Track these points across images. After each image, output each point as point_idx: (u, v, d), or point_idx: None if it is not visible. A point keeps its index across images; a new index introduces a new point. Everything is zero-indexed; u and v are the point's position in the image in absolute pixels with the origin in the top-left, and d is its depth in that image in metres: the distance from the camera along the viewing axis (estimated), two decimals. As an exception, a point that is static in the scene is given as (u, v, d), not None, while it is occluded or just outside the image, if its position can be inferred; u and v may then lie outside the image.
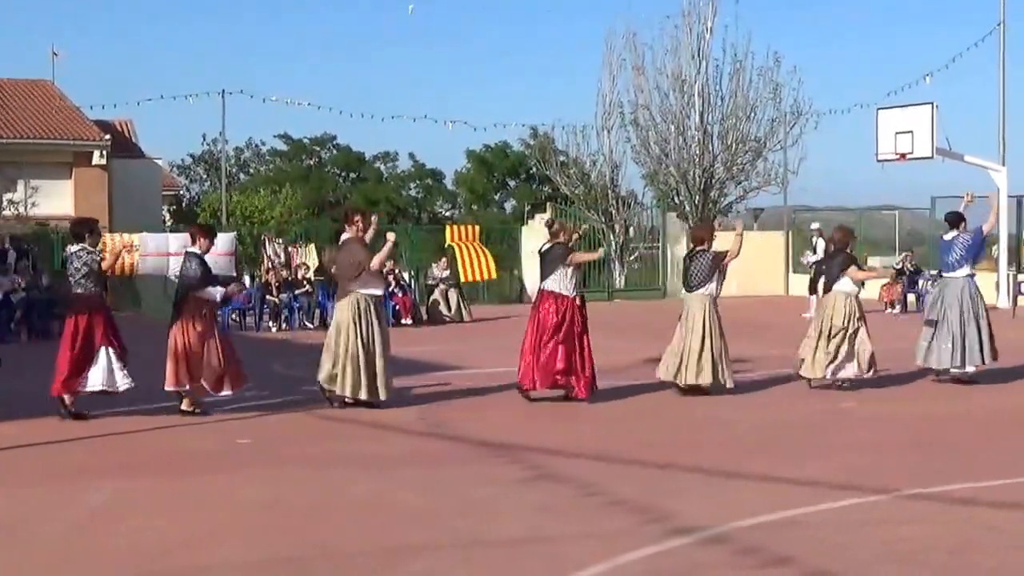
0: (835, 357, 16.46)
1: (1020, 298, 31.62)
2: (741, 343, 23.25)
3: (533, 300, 16.38)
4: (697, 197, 47.34)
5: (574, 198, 48.48)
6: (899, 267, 35.12)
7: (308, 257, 33.78)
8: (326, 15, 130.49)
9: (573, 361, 15.51)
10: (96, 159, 47.26)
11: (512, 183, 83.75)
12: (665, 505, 9.55)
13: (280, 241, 35.83)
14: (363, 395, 14.91)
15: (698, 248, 16.50)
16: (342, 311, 15.11)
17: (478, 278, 36.32)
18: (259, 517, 9.47)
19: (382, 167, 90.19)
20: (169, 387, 14.76)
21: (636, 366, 19.61)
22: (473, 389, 16.93)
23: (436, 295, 32.59)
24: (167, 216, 59.26)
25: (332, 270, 15.74)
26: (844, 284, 16.68)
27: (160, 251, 37.00)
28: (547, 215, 43.12)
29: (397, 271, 32.57)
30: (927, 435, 13.35)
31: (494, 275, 37.36)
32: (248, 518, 9.44)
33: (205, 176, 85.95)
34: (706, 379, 16.00)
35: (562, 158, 51.15)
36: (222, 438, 13.30)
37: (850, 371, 16.53)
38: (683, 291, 16.65)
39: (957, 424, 14.12)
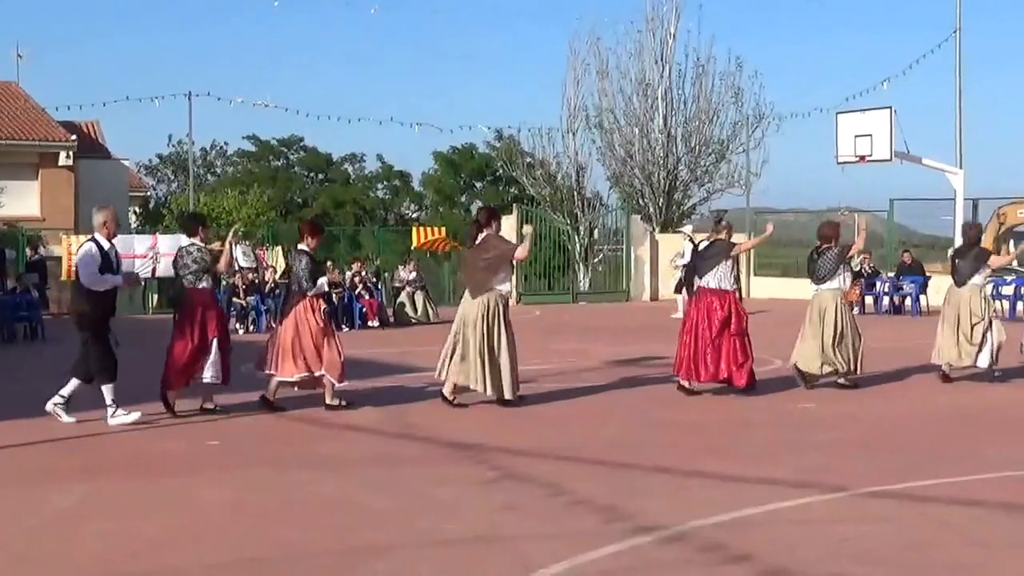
0: (981, 346, 17.36)
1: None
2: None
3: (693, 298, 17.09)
4: (661, 199, 47.78)
5: (540, 199, 48.70)
6: (857, 269, 35.53)
7: (276, 260, 33.93)
8: (293, 18, 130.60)
9: (743, 352, 16.32)
10: (62, 160, 47.15)
11: (479, 184, 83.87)
12: (627, 504, 9.66)
13: (248, 243, 35.93)
14: (489, 391, 15.32)
15: (824, 246, 17.28)
16: (472, 307, 15.41)
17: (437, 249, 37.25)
18: (225, 518, 9.53)
19: (349, 168, 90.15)
20: (285, 376, 15.10)
21: (600, 368, 19.92)
22: (439, 390, 17.06)
23: (403, 297, 32.75)
24: (134, 218, 59.12)
25: (467, 269, 16.03)
26: (977, 278, 17.53)
27: (126, 253, 37.20)
28: (512, 216, 43.42)
29: (364, 273, 32.81)
30: (882, 434, 13.57)
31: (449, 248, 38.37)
32: (214, 519, 9.50)
33: (172, 177, 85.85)
34: (842, 367, 16.87)
35: (528, 160, 51.43)
36: (191, 440, 13.30)
37: (984, 359, 17.46)
38: (813, 287, 17.45)
39: (911, 424, 14.34)
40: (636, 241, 44.29)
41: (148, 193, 73.09)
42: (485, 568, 8.05)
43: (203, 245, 15.04)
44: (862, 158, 35.59)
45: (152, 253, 37.21)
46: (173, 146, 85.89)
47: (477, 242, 15.66)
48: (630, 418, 14.88)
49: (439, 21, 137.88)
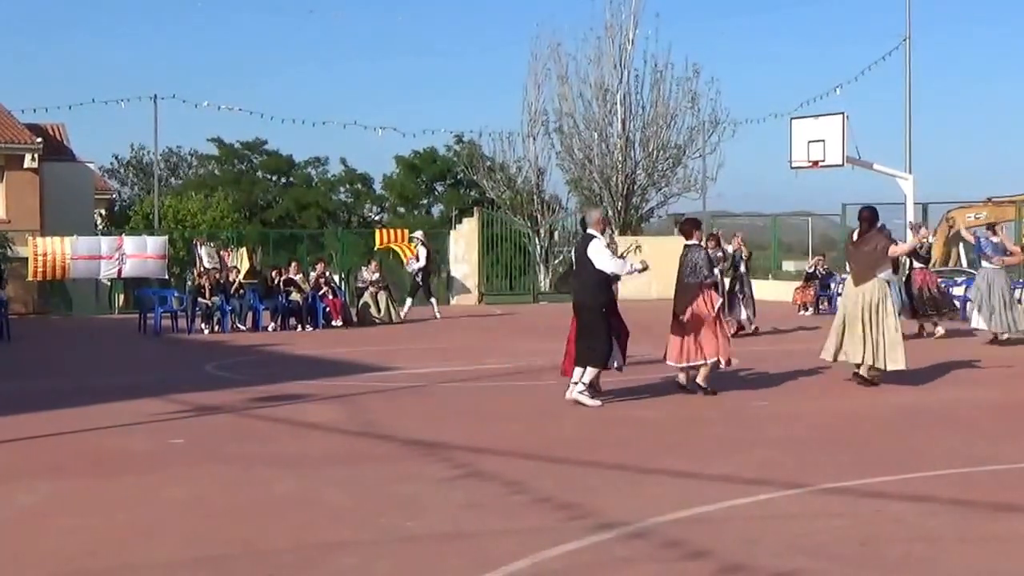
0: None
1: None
2: (660, 344, 23.78)
3: None
4: (619, 202, 48.06)
5: (500, 202, 48.96)
6: (811, 271, 36.01)
7: (240, 261, 33.96)
8: (257, 22, 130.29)
9: None
10: (28, 162, 46.94)
11: (440, 188, 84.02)
12: (588, 502, 9.70)
13: (212, 244, 35.99)
14: (879, 363, 16.95)
15: None
16: (857, 292, 17.10)
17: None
18: (187, 516, 9.52)
19: (312, 172, 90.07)
20: (671, 362, 16.55)
21: (559, 366, 20.03)
22: (402, 389, 17.13)
23: (366, 297, 32.80)
24: (99, 220, 59.02)
25: (852, 262, 17.83)
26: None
27: (92, 254, 37.34)
28: (474, 219, 43.65)
29: (328, 273, 32.94)
30: (836, 431, 13.68)
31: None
32: (176, 517, 9.49)
33: (136, 180, 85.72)
34: None
35: (488, 164, 51.67)
36: (156, 438, 13.30)
37: None
38: None
39: (864, 421, 14.44)
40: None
41: (113, 196, 72.92)
42: (446, 565, 8.06)
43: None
44: (815, 163, 35.84)
45: (118, 254, 37.27)
46: (135, 151, 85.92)
47: (860, 237, 17.51)
48: (589, 416, 14.90)
49: (402, 26, 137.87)
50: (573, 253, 16.36)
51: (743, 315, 27.10)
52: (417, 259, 33.97)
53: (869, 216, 17.56)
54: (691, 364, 16.35)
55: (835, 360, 17.26)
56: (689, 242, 16.86)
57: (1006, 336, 23.97)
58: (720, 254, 24.96)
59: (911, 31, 39.23)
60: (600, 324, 15.51)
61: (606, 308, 15.62)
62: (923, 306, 26.30)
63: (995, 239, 24.70)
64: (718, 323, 16.45)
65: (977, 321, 24.28)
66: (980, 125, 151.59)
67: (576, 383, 15.50)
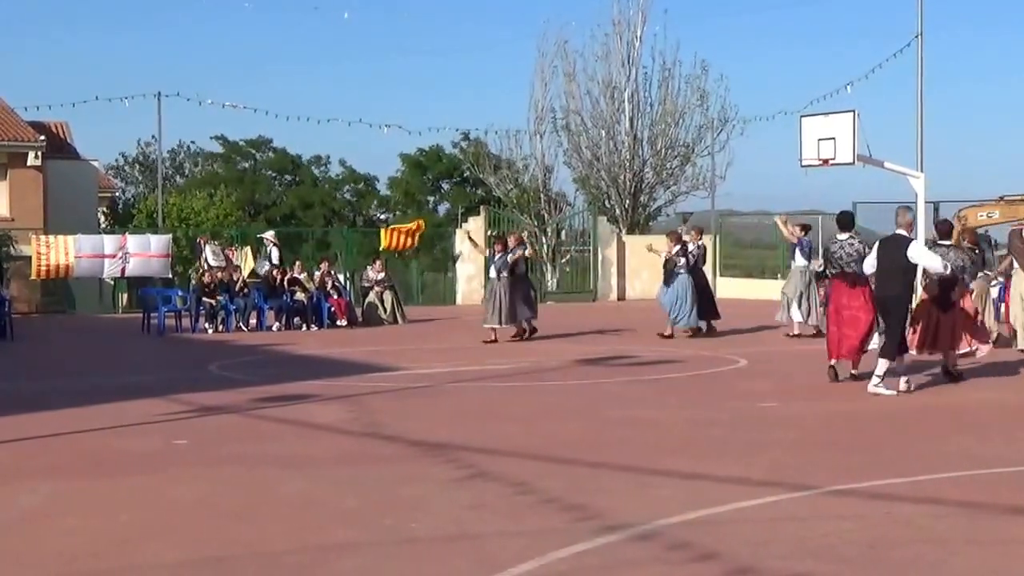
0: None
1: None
2: (669, 344, 23.75)
3: None
4: (627, 201, 48.02)
5: (507, 201, 48.91)
6: (821, 270, 35.77)
7: (244, 260, 33.86)
8: (262, 20, 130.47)
9: None
10: (31, 160, 46.98)
11: (446, 186, 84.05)
12: (595, 503, 9.65)
13: (217, 243, 35.93)
14: None
15: None
16: None
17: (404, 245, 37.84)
18: (191, 516, 9.50)
19: (316, 170, 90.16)
20: (914, 350, 17.65)
21: (567, 367, 20.05)
22: (407, 390, 17.07)
23: (372, 297, 32.73)
24: (102, 218, 59.05)
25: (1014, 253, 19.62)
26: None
27: (96, 253, 37.31)
28: (480, 217, 43.63)
29: (333, 273, 32.87)
30: (844, 433, 13.62)
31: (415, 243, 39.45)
32: (180, 517, 9.46)
33: (140, 178, 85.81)
34: None
35: (495, 161, 51.66)
36: (159, 438, 13.25)
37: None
38: None
39: (872, 422, 14.37)
40: (603, 242, 44.44)
41: (116, 194, 72.92)
42: (453, 566, 8.04)
43: (857, 237, 17.62)
44: (825, 161, 35.71)
45: (121, 253, 37.24)
46: (140, 148, 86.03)
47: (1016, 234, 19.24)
48: (596, 417, 14.86)
49: (408, 24, 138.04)
50: (875, 249, 17.02)
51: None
52: (269, 260, 33.21)
53: None
54: (965, 351, 17.86)
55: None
56: (946, 241, 18.28)
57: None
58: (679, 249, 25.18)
59: (923, 28, 39.02)
60: (902, 320, 16.65)
61: (908, 305, 16.95)
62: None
63: (807, 239, 27.54)
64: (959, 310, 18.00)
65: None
66: (993, 122, 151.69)
67: (876, 375, 16.35)
